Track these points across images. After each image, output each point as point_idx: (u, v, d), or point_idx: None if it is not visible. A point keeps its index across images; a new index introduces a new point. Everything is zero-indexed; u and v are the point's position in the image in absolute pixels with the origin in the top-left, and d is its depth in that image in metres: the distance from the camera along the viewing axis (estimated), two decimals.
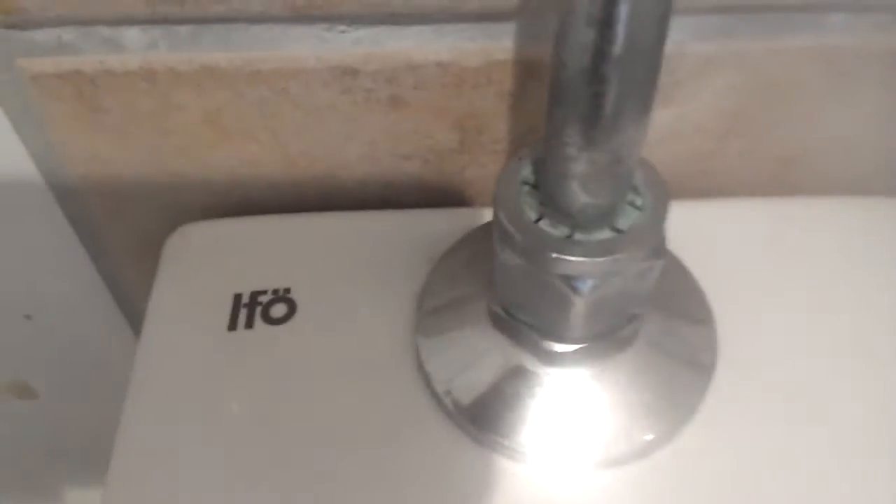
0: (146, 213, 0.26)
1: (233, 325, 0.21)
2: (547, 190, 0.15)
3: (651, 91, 0.13)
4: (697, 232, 0.22)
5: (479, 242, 0.22)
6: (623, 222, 0.15)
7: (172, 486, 0.19)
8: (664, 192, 0.16)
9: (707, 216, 0.23)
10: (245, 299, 0.22)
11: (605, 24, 0.12)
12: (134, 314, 0.30)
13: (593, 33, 0.12)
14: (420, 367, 0.20)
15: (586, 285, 0.15)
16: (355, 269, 0.23)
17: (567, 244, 0.15)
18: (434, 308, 0.21)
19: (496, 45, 0.21)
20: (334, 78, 0.22)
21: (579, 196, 0.14)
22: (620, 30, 0.12)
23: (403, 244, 0.23)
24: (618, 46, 0.12)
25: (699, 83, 0.22)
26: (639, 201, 0.16)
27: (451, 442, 0.19)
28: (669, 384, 0.19)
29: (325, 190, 0.25)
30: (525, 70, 0.22)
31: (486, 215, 0.24)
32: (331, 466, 0.19)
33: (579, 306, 0.16)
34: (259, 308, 0.21)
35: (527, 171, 0.16)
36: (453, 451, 0.19)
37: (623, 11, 0.12)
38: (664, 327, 0.19)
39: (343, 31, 0.21)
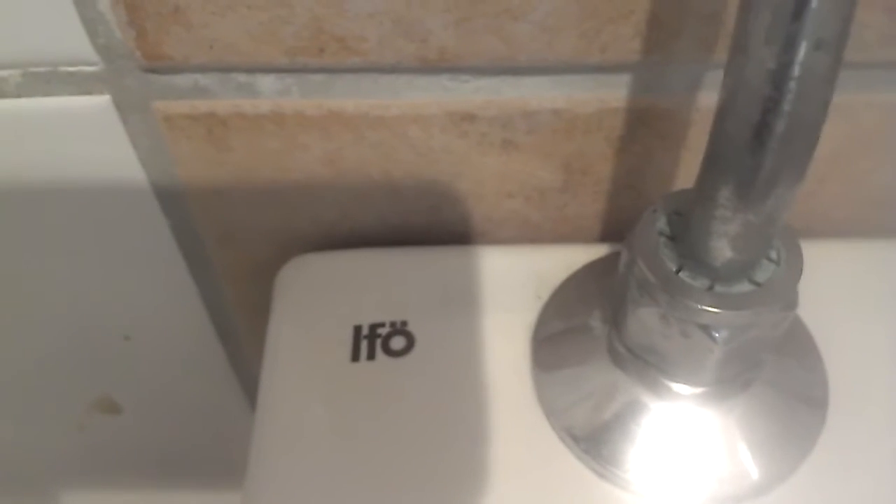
0: (256, 242, 0.27)
1: (356, 357, 0.22)
2: (690, 244, 0.16)
3: (807, 162, 0.14)
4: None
5: (590, 280, 0.23)
6: (761, 276, 0.16)
7: None
8: (798, 247, 0.17)
9: (806, 255, 0.24)
10: (365, 331, 0.23)
11: (775, 103, 0.13)
12: (230, 339, 0.32)
13: (761, 111, 0.13)
14: (538, 400, 0.21)
15: (724, 335, 0.16)
16: (466, 301, 0.24)
17: (709, 296, 0.16)
18: (549, 342, 0.22)
19: (610, 94, 0.22)
20: (453, 123, 0.23)
21: (726, 252, 0.16)
22: (787, 109, 0.13)
23: (509, 278, 0.24)
24: (782, 124, 0.13)
25: None
26: (774, 255, 0.17)
27: (571, 474, 0.20)
28: (786, 423, 0.20)
29: (429, 223, 0.26)
30: (635, 117, 0.23)
31: (587, 253, 0.25)
32: (452, 497, 0.20)
33: (716, 354, 0.17)
34: (379, 340, 0.23)
35: (662, 223, 0.18)
36: (572, 482, 0.20)
37: (792, 92, 0.13)
38: (778, 366, 0.20)
39: (465, 81, 0.22)
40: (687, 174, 0.25)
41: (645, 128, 0.23)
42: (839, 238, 0.25)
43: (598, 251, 0.25)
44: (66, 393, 0.35)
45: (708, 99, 0.23)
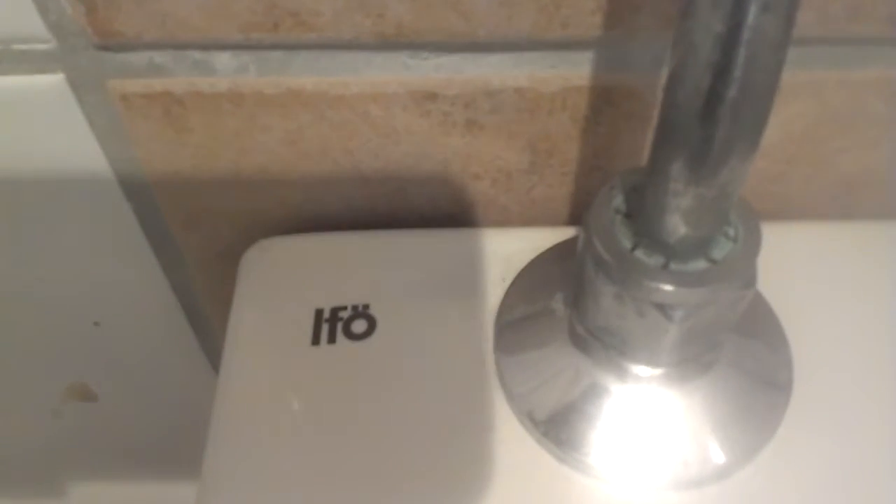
0: (221, 226, 0.27)
1: (316, 340, 0.22)
2: (645, 221, 0.16)
3: (761, 132, 0.14)
4: (765, 252, 0.23)
5: (555, 262, 0.23)
6: (717, 253, 0.16)
7: (261, 500, 0.20)
8: (756, 224, 0.16)
9: (774, 237, 0.23)
10: (326, 314, 0.22)
11: (724, 69, 0.13)
12: (200, 323, 0.31)
13: (710, 78, 0.13)
14: (500, 384, 0.21)
15: (680, 313, 0.16)
16: (430, 285, 0.23)
17: (664, 274, 0.16)
18: (511, 325, 0.21)
19: (574, 72, 0.22)
20: (414, 102, 0.23)
21: (680, 228, 0.15)
22: (737, 75, 0.13)
23: (475, 262, 0.24)
24: (734, 91, 0.13)
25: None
26: (731, 232, 0.16)
27: (531, 457, 0.20)
28: (749, 406, 0.19)
29: (395, 206, 0.26)
30: (600, 96, 0.22)
31: (554, 236, 0.25)
32: (412, 481, 0.20)
33: (672, 333, 0.16)
34: (340, 323, 0.22)
35: (618, 201, 0.17)
36: (533, 466, 0.20)
37: (742, 57, 0.13)
38: (742, 348, 0.20)
39: (426, 58, 0.22)
40: None
41: (610, 107, 0.23)
42: (807, 220, 0.25)
43: (566, 233, 0.25)
44: (39, 380, 0.35)
45: None
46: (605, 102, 0.22)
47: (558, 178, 0.25)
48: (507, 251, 0.24)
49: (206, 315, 0.31)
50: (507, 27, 0.20)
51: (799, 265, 0.23)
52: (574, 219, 0.26)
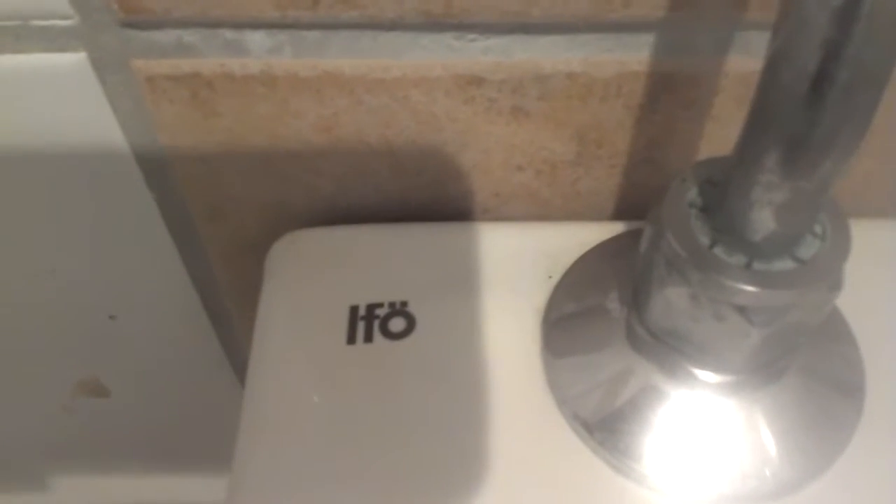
0: (246, 217, 0.25)
1: (352, 339, 0.21)
2: (726, 216, 0.15)
3: (871, 119, 0.12)
4: None
5: (606, 259, 0.21)
6: (804, 252, 0.15)
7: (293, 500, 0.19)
8: (845, 221, 0.15)
9: None
10: (362, 312, 0.21)
11: (838, 46, 0.11)
12: (220, 318, 0.30)
13: (822, 56, 0.12)
14: (549, 387, 0.19)
15: (763, 317, 0.15)
16: (471, 281, 0.22)
17: (747, 274, 0.14)
18: (561, 325, 0.20)
19: (632, 56, 0.20)
20: (458, 87, 0.21)
21: (769, 224, 0.14)
22: (853, 53, 0.12)
23: (518, 257, 0.23)
24: (847, 71, 0.12)
25: None
26: (819, 229, 0.15)
27: (584, 466, 0.19)
28: (820, 414, 0.18)
29: (431, 197, 0.25)
30: (658, 82, 0.21)
31: (600, 231, 0.23)
32: (455, 491, 0.19)
33: (753, 338, 0.15)
34: (377, 322, 0.21)
35: (693, 194, 0.16)
36: (586, 475, 0.18)
37: (860, 33, 0.11)
38: (812, 353, 0.18)
39: (473, 40, 0.20)
40: (712, 147, 0.23)
41: (668, 95, 0.21)
42: (873, 218, 0.23)
43: (613, 229, 0.23)
44: (50, 375, 0.33)
45: (738, 64, 0.21)
46: (663, 89, 0.21)
47: (606, 171, 0.24)
48: (552, 246, 0.23)
49: (228, 311, 0.30)
50: (563, 7, 0.19)
51: (865, 265, 0.21)
52: (620, 213, 0.25)
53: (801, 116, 0.12)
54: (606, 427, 0.18)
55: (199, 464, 0.42)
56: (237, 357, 0.32)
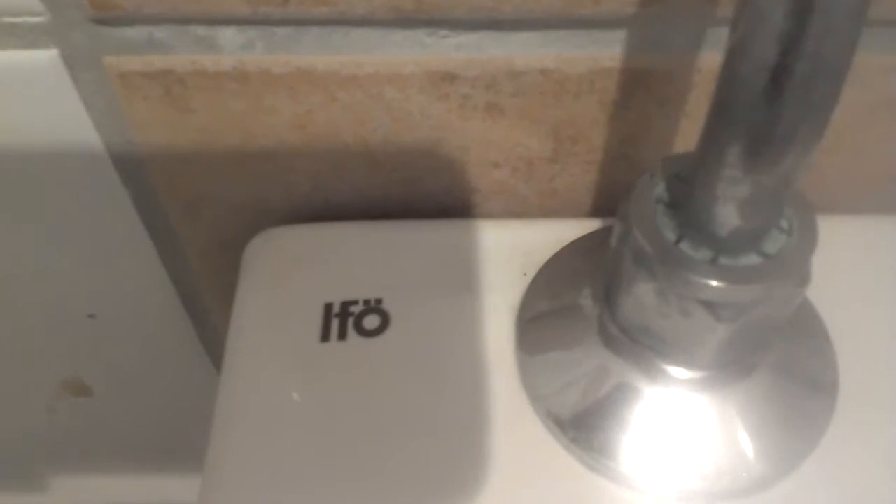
0: (223, 215, 0.25)
1: (325, 336, 0.20)
2: (692, 211, 0.15)
3: (830, 113, 0.12)
4: None
5: (580, 256, 0.21)
6: (771, 247, 0.15)
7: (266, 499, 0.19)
8: (812, 216, 0.15)
9: None
10: (336, 309, 0.21)
11: (795, 40, 0.11)
12: (199, 315, 0.30)
13: (779, 50, 0.12)
14: (522, 385, 0.19)
15: (729, 312, 0.15)
16: (446, 279, 0.22)
17: (713, 269, 0.14)
18: (535, 322, 0.20)
19: (605, 52, 0.20)
20: (432, 84, 0.21)
21: (733, 219, 0.14)
22: (810, 47, 0.11)
23: (494, 255, 0.23)
24: (805, 65, 0.12)
25: None
26: (785, 224, 0.15)
27: (557, 463, 0.18)
28: (793, 410, 0.18)
29: (408, 194, 0.25)
30: (631, 78, 0.21)
31: (577, 228, 0.23)
32: (428, 488, 0.18)
33: (720, 333, 0.15)
34: (351, 319, 0.21)
35: (660, 189, 0.16)
36: (559, 472, 0.18)
37: (816, 27, 0.11)
38: (785, 349, 0.18)
39: (445, 36, 0.20)
40: (686, 143, 0.23)
41: (641, 91, 0.21)
42: (847, 213, 0.23)
43: (590, 226, 0.23)
44: (32, 375, 0.33)
45: (711, 60, 0.21)
46: (636, 86, 0.21)
47: (582, 167, 0.23)
48: (528, 243, 0.23)
49: (206, 307, 0.30)
50: (534, 2, 0.19)
51: (839, 261, 0.21)
52: (597, 210, 0.25)
53: (761, 110, 0.12)
54: (580, 425, 0.18)
55: (182, 462, 0.42)
56: (217, 353, 0.32)
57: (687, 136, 0.23)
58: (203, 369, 0.33)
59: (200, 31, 0.20)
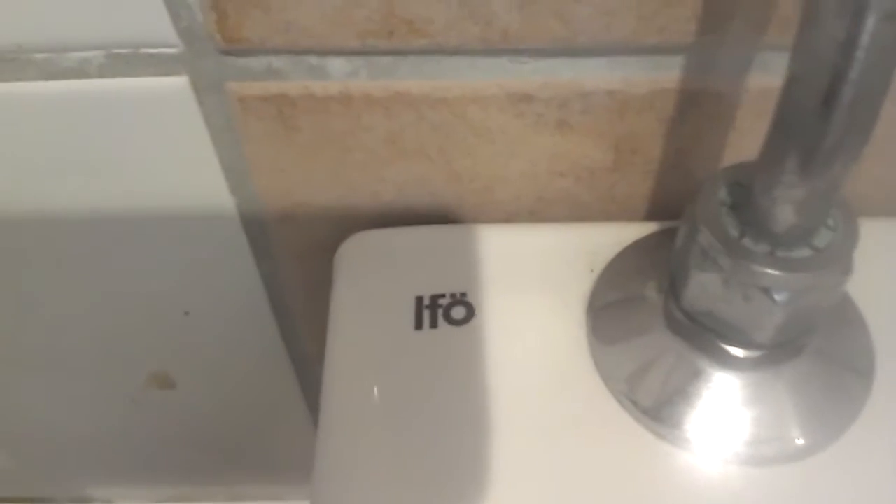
0: (315, 220, 0.28)
1: (419, 325, 0.23)
2: (753, 211, 0.17)
3: (871, 129, 0.15)
4: None
5: (643, 254, 0.24)
6: (820, 241, 0.17)
7: (373, 477, 0.21)
8: (854, 216, 0.18)
9: None
10: (426, 301, 0.24)
11: (843, 72, 0.14)
12: (284, 315, 0.33)
13: (829, 80, 0.14)
14: (595, 365, 0.22)
15: (785, 297, 0.17)
16: (521, 274, 0.25)
17: (772, 260, 0.17)
18: (604, 312, 0.23)
19: (665, 75, 0.23)
20: (511, 103, 0.24)
21: (789, 218, 0.16)
22: (854, 78, 0.14)
23: (562, 254, 0.25)
24: (850, 92, 0.14)
25: None
26: (831, 222, 0.18)
27: (629, 434, 0.21)
28: (833, 391, 0.21)
29: (481, 201, 0.27)
30: (687, 98, 0.24)
31: (635, 230, 0.26)
32: (516, 458, 0.21)
33: (777, 316, 0.18)
34: (440, 310, 0.24)
35: (722, 193, 0.19)
36: (631, 442, 0.21)
37: (860, 61, 0.14)
38: (827, 337, 0.21)
39: (524, 63, 0.23)
40: (733, 154, 0.26)
41: (695, 109, 0.24)
42: (881, 217, 0.26)
43: (647, 228, 0.26)
44: (125, 366, 0.36)
45: (756, 81, 0.24)
46: (690, 104, 0.24)
47: (640, 176, 0.26)
48: (592, 244, 0.26)
49: (291, 308, 0.33)
50: (605, 34, 0.22)
51: (875, 261, 0.24)
52: (651, 215, 0.28)
53: (814, 128, 0.15)
54: (649, 399, 0.21)
55: (250, 457, 0.45)
56: (297, 350, 0.35)
57: (735, 148, 0.25)
58: (282, 367, 0.36)
59: (314, 60, 0.23)
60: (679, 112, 0.24)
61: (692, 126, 0.25)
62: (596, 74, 0.23)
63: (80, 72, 0.24)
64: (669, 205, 0.27)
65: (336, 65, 0.23)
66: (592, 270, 0.25)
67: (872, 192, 0.27)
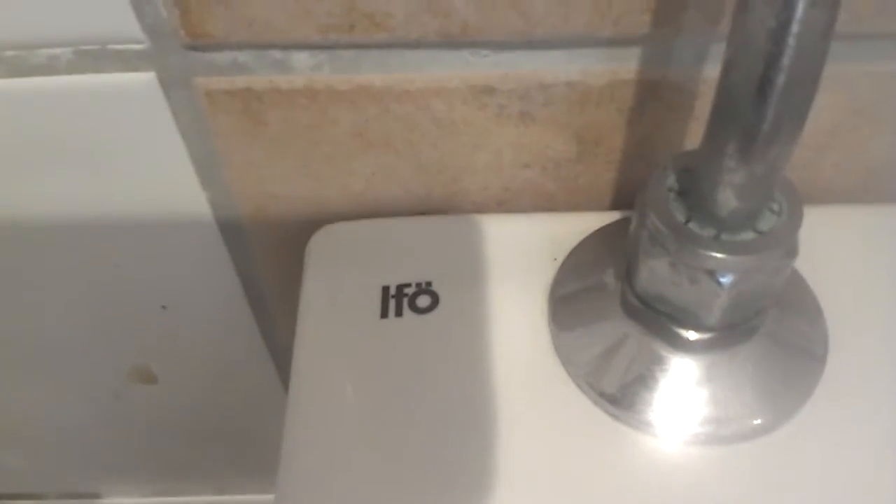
0: (287, 212, 0.29)
1: (384, 313, 0.24)
2: (698, 196, 0.18)
3: (806, 114, 0.15)
4: (801, 234, 0.25)
5: (603, 242, 0.24)
6: (764, 225, 0.18)
7: (340, 464, 0.22)
8: (798, 200, 0.18)
9: (809, 220, 0.25)
10: (392, 291, 0.24)
11: (775, 58, 0.15)
12: (260, 306, 0.33)
13: (763, 66, 0.15)
14: (555, 350, 0.23)
15: (730, 279, 0.18)
16: (486, 264, 0.25)
17: (716, 243, 0.18)
18: (565, 299, 0.23)
19: (622, 66, 0.23)
20: (473, 96, 0.24)
21: (731, 202, 0.17)
22: (787, 63, 0.15)
23: (526, 243, 0.26)
24: (783, 77, 0.15)
25: None
26: (776, 206, 0.18)
27: (588, 416, 0.22)
28: (786, 372, 0.21)
29: (449, 192, 0.28)
30: (645, 89, 0.24)
31: (599, 219, 0.26)
32: (473, 440, 0.22)
33: (723, 298, 0.18)
34: (406, 299, 0.24)
35: (671, 180, 0.19)
36: (589, 423, 0.22)
37: (791, 47, 0.15)
38: (781, 320, 0.21)
39: (485, 55, 0.24)
40: (694, 143, 0.26)
41: (655, 99, 0.24)
42: (837, 203, 0.26)
43: (610, 217, 0.26)
44: (107, 361, 0.37)
45: (714, 71, 0.24)
46: (649, 95, 0.24)
47: (603, 167, 0.27)
48: (556, 234, 0.26)
49: (266, 298, 0.33)
50: (562, 26, 0.22)
51: (832, 247, 0.25)
52: (616, 204, 0.28)
53: (751, 113, 0.15)
54: (606, 382, 0.22)
55: (232, 448, 0.45)
56: (273, 341, 0.36)
57: (694, 137, 0.26)
58: (260, 357, 0.37)
59: (277, 55, 0.24)
60: (639, 103, 0.25)
61: (652, 116, 0.25)
62: (555, 66, 0.24)
63: (48, 68, 0.24)
64: (633, 194, 0.28)
65: (300, 59, 0.24)
66: (555, 259, 0.25)
67: (839, 180, 0.27)
